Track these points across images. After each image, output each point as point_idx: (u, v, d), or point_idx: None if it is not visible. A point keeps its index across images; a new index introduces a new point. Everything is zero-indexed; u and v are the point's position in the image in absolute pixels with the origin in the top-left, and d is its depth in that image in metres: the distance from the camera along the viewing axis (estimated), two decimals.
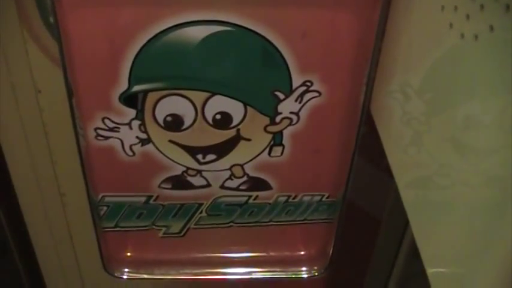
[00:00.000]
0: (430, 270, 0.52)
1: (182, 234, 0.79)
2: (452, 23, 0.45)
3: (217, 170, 0.71)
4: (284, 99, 0.64)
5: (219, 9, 0.58)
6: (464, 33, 0.43)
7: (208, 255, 0.82)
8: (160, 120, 0.65)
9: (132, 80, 0.62)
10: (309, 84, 0.63)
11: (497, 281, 0.43)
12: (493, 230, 0.42)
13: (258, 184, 0.73)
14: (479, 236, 0.44)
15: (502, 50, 0.39)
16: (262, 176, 0.72)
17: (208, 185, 0.73)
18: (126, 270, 0.81)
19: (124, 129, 0.66)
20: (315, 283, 0.84)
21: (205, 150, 0.69)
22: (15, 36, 0.58)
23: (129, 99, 0.64)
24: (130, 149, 0.68)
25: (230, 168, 0.71)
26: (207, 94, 0.63)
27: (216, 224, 0.78)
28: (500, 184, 0.41)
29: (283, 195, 0.75)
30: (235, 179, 0.72)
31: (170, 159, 0.69)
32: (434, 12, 0.48)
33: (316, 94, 0.64)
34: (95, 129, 0.66)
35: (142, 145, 0.68)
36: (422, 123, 0.55)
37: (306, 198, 0.75)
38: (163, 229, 0.78)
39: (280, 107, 0.65)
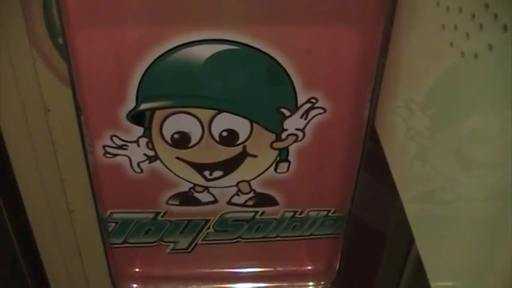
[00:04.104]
0: (433, 284, 0.52)
1: (190, 250, 0.79)
2: (453, 42, 0.46)
3: (224, 186, 0.71)
4: (290, 116, 0.65)
5: (224, 29, 0.59)
6: (464, 52, 0.44)
7: (215, 270, 0.82)
8: (168, 138, 0.66)
9: (139, 99, 0.63)
10: (314, 101, 0.64)
11: None
12: (496, 244, 0.43)
13: (264, 200, 0.73)
14: (483, 250, 0.44)
15: (501, 69, 0.39)
16: (268, 192, 0.72)
17: (216, 201, 0.73)
18: (135, 286, 0.82)
19: (132, 146, 0.67)
20: None
21: (212, 166, 0.69)
22: (24, 56, 0.59)
23: (137, 117, 0.64)
24: (138, 166, 0.69)
25: (237, 185, 0.71)
26: (213, 112, 0.64)
27: (224, 240, 0.78)
28: (504, 198, 0.41)
29: (290, 211, 0.75)
30: (242, 195, 0.72)
31: (177, 175, 0.70)
32: (435, 30, 0.49)
33: (321, 111, 0.65)
34: (103, 146, 0.67)
35: (150, 162, 0.68)
36: (426, 138, 0.55)
37: (312, 214, 0.76)
38: (171, 245, 0.78)
39: (286, 124, 0.65)
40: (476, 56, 0.42)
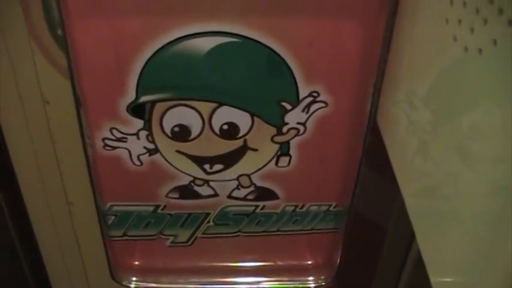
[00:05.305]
0: (434, 279, 0.52)
1: (190, 243, 0.79)
2: (457, 36, 0.45)
3: (225, 180, 0.71)
4: (291, 110, 0.64)
5: (225, 21, 0.58)
6: (468, 47, 0.43)
7: (215, 264, 0.82)
8: (168, 131, 0.65)
9: (139, 91, 0.62)
10: (315, 94, 0.63)
11: None
12: (497, 240, 0.42)
13: (265, 194, 0.73)
14: (484, 246, 0.44)
15: (505, 64, 0.39)
16: (269, 186, 0.72)
17: (216, 195, 0.73)
18: (134, 278, 0.81)
19: (132, 139, 0.66)
20: None
21: (213, 160, 0.69)
22: (23, 48, 0.59)
23: (137, 110, 0.64)
24: (138, 158, 0.68)
25: (237, 178, 0.71)
26: (214, 105, 0.64)
27: (224, 233, 0.78)
28: (506, 194, 0.41)
29: (291, 205, 0.75)
30: (242, 189, 0.72)
31: (177, 169, 0.69)
32: (439, 24, 0.48)
33: (322, 105, 0.64)
34: (103, 139, 0.66)
35: (149, 155, 0.68)
36: (428, 132, 0.55)
37: (313, 208, 0.75)
38: (171, 238, 0.78)
39: (287, 118, 0.65)
40: (480, 51, 0.42)
